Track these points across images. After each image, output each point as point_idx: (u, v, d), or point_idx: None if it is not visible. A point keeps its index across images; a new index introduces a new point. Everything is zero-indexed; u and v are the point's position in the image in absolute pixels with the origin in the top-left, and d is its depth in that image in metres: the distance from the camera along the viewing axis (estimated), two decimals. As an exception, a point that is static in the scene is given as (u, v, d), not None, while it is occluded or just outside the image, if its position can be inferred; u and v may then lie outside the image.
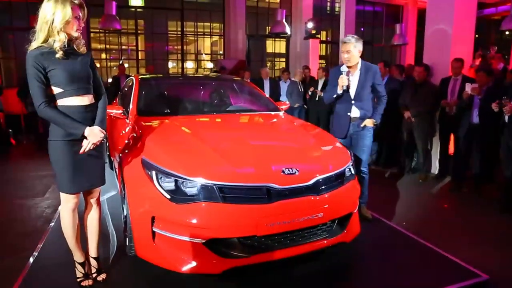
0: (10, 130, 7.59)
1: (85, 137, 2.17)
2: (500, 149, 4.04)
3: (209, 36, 12.31)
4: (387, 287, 2.54)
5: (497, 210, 4.01)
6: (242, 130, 3.30)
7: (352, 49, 3.35)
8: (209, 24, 12.00)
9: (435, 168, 5.48)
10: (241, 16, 11.30)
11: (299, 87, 7.47)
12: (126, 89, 4.35)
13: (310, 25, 10.51)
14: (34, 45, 2.11)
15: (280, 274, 2.59)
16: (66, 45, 2.13)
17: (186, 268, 2.27)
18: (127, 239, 2.70)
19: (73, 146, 2.19)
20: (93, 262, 2.49)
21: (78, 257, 2.43)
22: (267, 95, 4.41)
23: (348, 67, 3.45)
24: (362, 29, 13.47)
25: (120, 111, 3.33)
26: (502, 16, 10.72)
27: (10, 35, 9.85)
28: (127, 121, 3.38)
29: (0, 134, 7.36)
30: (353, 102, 3.49)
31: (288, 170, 2.41)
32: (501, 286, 2.64)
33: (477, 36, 7.63)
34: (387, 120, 4.46)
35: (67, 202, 2.30)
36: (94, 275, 2.47)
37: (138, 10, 11.42)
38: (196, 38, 12.08)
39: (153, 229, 2.32)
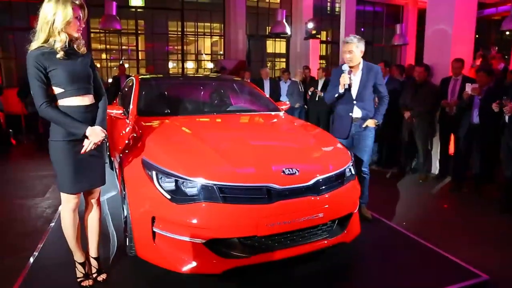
0: (10, 130, 7.59)
1: (87, 137, 2.17)
2: (500, 149, 4.04)
3: (209, 36, 12.30)
4: (387, 287, 2.54)
5: (497, 210, 4.01)
6: (242, 130, 3.30)
7: (354, 49, 3.35)
8: (209, 24, 11.99)
9: (435, 168, 5.49)
10: (242, 16, 11.29)
11: (300, 87, 7.48)
12: (126, 89, 4.35)
13: (310, 25, 10.51)
14: (34, 45, 2.11)
15: (280, 274, 2.59)
16: (67, 46, 2.13)
17: (186, 268, 2.27)
18: (127, 239, 2.70)
19: (74, 146, 2.19)
20: (94, 262, 2.50)
21: (78, 257, 2.44)
22: (267, 95, 4.41)
23: (350, 67, 3.44)
24: (362, 29, 13.46)
25: (121, 111, 3.33)
26: (502, 16, 10.72)
27: (10, 35, 9.84)
28: (127, 121, 3.38)
29: (0, 134, 7.36)
30: (355, 102, 3.48)
31: (288, 170, 2.41)
32: (501, 286, 2.64)
33: (477, 36, 7.62)
34: (388, 120, 4.45)
35: (68, 202, 2.30)
36: (94, 275, 2.48)
37: (138, 10, 11.41)
38: (196, 38, 12.08)
39: (154, 229, 2.32)
